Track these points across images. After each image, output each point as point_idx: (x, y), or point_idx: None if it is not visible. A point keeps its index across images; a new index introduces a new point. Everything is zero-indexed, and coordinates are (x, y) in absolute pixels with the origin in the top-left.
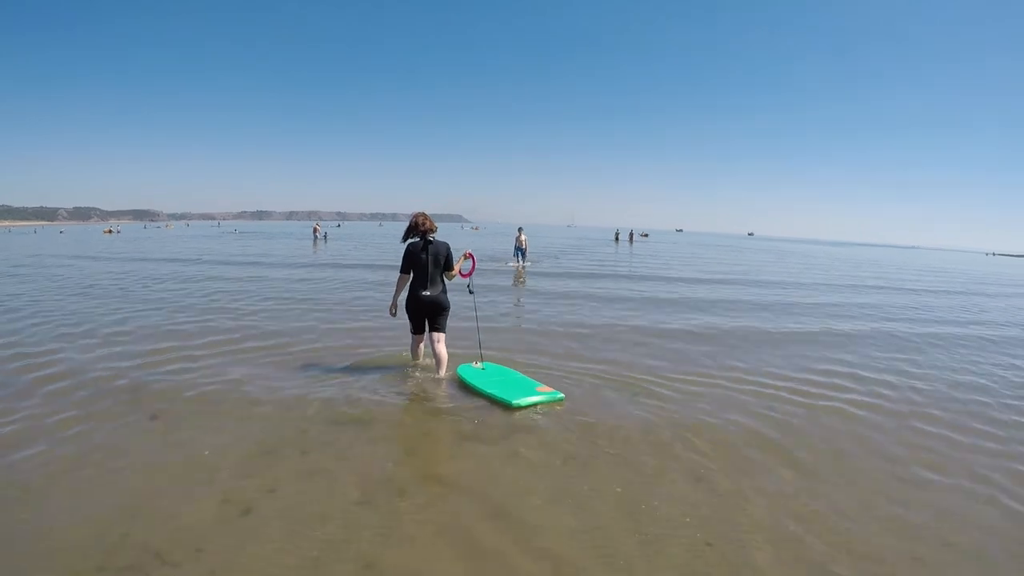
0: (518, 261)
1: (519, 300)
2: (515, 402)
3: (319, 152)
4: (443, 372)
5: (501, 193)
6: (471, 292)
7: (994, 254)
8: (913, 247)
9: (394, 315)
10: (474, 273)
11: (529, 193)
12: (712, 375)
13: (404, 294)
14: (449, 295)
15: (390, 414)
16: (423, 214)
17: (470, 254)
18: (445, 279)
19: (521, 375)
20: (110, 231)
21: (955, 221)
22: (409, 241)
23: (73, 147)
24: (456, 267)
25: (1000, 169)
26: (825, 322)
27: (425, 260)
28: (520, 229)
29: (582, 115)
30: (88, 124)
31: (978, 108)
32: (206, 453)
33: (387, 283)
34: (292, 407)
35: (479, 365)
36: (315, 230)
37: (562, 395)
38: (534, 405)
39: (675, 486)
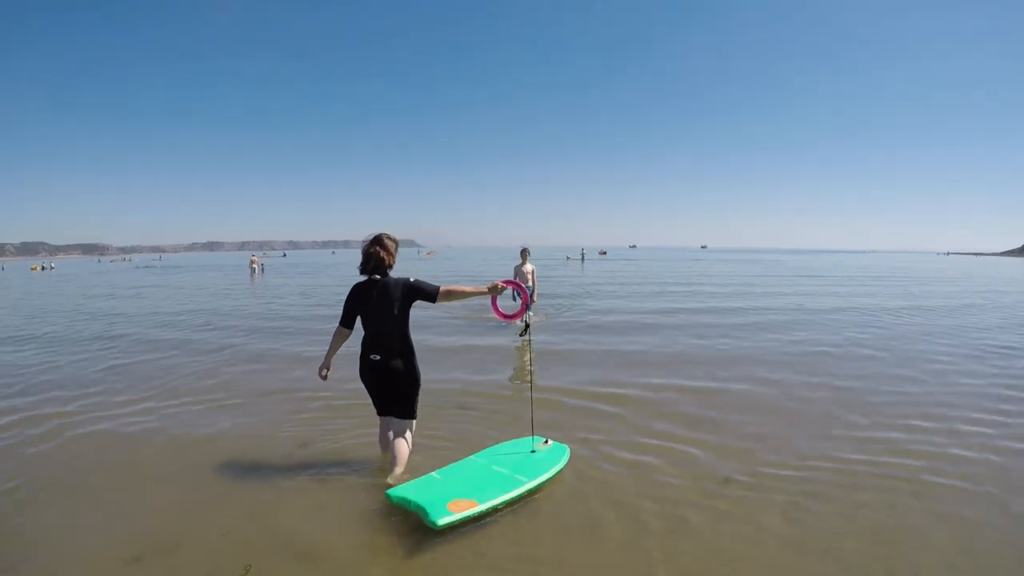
0: (524, 319)
1: None
2: (439, 521)
3: (269, 182)
4: (398, 471)
5: (452, 217)
6: (526, 327)
7: (949, 253)
8: (871, 251)
9: (323, 378)
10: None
11: (481, 217)
12: None
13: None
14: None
15: None
16: (379, 238)
17: (512, 283)
18: (410, 336)
19: (504, 474)
20: (39, 268)
21: (892, 224)
22: (356, 282)
23: (23, 179)
24: (447, 288)
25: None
26: None
27: (370, 308)
28: (524, 252)
29: (532, 138)
30: (36, 154)
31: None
32: None
33: None
34: None
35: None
36: (252, 262)
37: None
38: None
39: None
